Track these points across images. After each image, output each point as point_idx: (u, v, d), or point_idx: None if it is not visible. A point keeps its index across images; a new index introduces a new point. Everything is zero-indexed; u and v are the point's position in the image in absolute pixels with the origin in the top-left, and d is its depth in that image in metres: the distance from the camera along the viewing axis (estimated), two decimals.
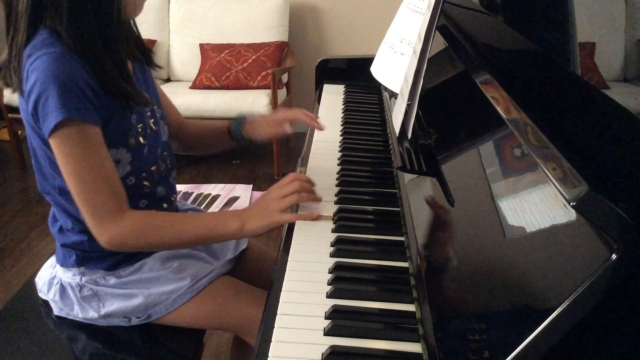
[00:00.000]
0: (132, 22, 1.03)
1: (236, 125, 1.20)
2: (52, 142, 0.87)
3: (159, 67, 1.12)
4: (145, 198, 1.03)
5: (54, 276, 1.05)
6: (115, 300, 1.01)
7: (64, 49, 0.85)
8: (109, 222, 0.90)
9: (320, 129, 1.22)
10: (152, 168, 1.03)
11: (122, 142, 0.95)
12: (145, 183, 1.02)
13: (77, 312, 1.02)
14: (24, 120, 0.92)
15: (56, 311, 1.05)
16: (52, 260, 1.08)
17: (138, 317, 1.02)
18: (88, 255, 1.01)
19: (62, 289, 1.03)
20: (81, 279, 1.02)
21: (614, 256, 0.41)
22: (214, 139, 1.25)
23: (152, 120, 1.04)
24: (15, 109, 2.93)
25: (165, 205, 1.09)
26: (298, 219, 0.95)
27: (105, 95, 0.89)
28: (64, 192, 0.95)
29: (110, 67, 0.89)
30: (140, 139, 0.99)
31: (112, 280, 1.02)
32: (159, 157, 1.05)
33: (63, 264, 1.03)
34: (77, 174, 0.87)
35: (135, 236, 0.92)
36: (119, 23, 0.90)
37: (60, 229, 1.02)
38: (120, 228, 0.90)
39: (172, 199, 1.12)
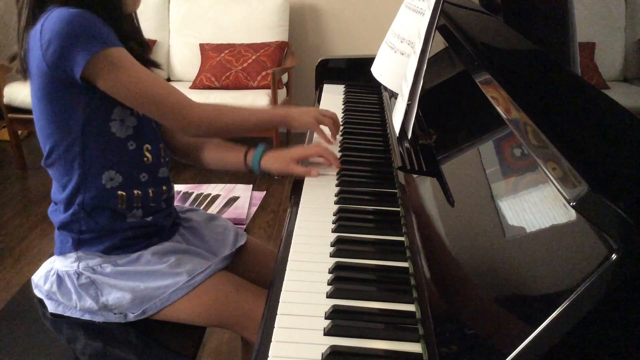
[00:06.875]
0: (134, 17, 1.06)
1: (255, 156, 1.16)
2: (96, 76, 0.92)
3: (157, 66, 1.13)
4: (146, 172, 1.05)
5: (51, 269, 1.05)
6: (112, 290, 1.01)
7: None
8: (190, 106, 1.01)
9: (338, 167, 1.13)
10: (152, 145, 1.06)
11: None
12: (147, 154, 1.05)
13: (75, 302, 1.02)
14: (36, 82, 0.95)
15: (52, 309, 1.05)
16: (50, 260, 1.08)
17: (133, 313, 1.02)
18: (83, 237, 1.02)
19: (60, 280, 1.03)
20: (78, 266, 1.02)
21: (614, 256, 0.41)
22: (228, 159, 1.22)
23: None
24: (15, 109, 2.91)
25: (164, 187, 1.10)
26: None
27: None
28: (66, 153, 0.98)
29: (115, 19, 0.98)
30: None
31: (109, 269, 1.02)
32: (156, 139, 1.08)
33: (61, 252, 1.04)
34: (137, 84, 0.95)
35: (215, 114, 1.06)
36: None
37: (57, 209, 1.04)
38: (201, 108, 1.02)
39: (171, 193, 1.13)
